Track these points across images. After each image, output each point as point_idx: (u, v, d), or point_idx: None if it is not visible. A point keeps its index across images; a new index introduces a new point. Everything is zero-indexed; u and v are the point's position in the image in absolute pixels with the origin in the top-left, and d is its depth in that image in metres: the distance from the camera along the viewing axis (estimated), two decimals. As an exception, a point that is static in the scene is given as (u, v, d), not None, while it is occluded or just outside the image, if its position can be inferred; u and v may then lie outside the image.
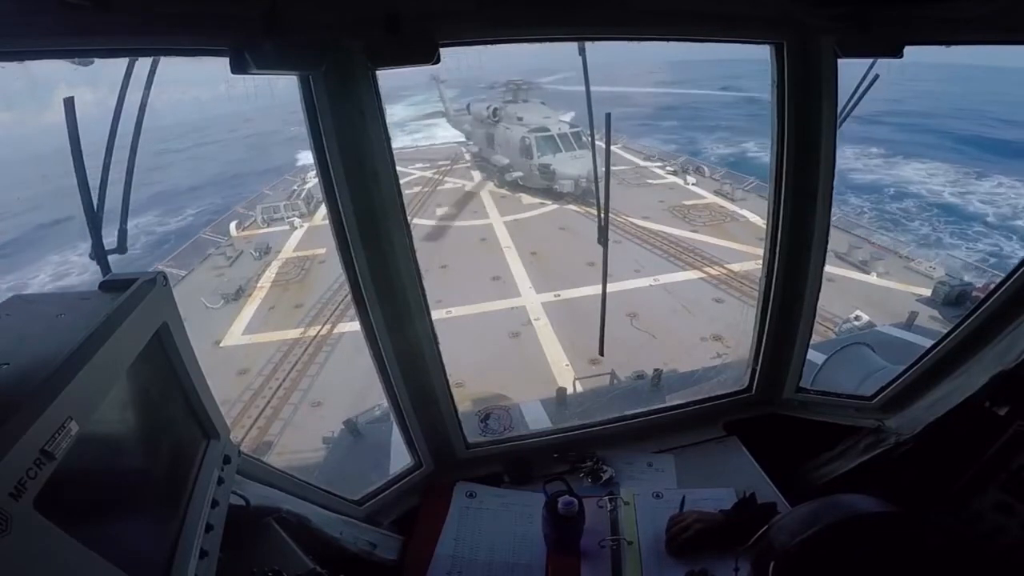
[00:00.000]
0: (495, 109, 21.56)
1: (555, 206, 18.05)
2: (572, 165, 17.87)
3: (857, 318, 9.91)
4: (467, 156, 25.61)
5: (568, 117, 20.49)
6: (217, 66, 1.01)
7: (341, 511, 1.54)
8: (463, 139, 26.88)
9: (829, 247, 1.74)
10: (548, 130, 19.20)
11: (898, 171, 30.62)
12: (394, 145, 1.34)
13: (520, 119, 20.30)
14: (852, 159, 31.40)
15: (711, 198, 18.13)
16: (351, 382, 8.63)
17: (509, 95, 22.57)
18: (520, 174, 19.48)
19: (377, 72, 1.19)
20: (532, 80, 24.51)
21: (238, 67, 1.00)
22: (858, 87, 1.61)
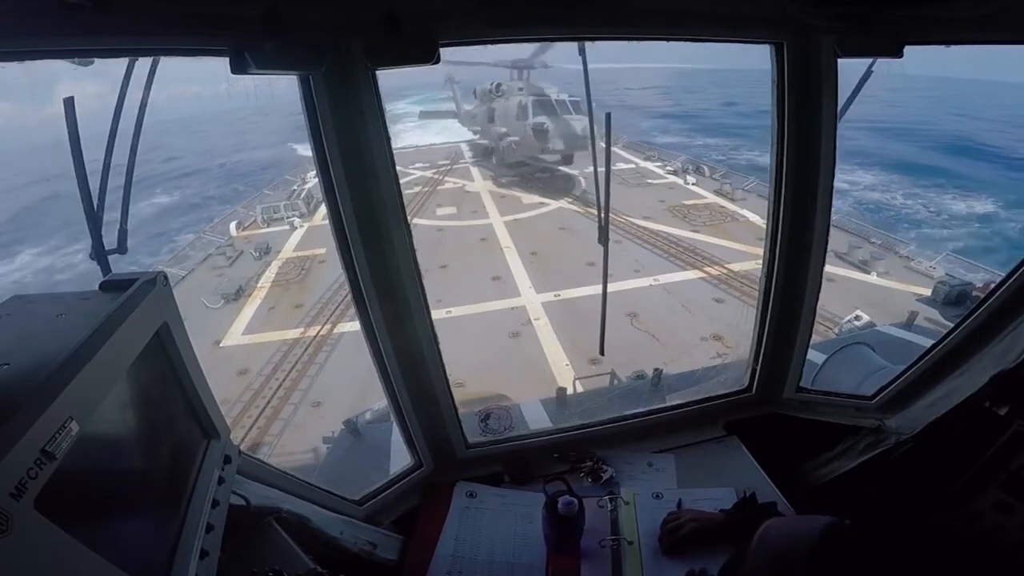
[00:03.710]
0: (498, 84, 22.14)
1: (555, 205, 18.09)
2: (566, 126, 18.32)
3: (857, 318, 9.90)
4: (467, 155, 25.66)
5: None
6: (218, 64, 1.01)
7: (341, 511, 1.54)
8: (468, 138, 27.06)
9: (829, 247, 1.74)
10: (546, 95, 19.68)
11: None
12: (394, 144, 1.34)
13: (520, 89, 20.84)
14: None
15: (711, 198, 18.13)
16: (351, 382, 8.63)
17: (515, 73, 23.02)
18: (516, 139, 19.83)
19: (377, 72, 1.20)
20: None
21: (238, 67, 1.00)
22: (857, 86, 1.61)
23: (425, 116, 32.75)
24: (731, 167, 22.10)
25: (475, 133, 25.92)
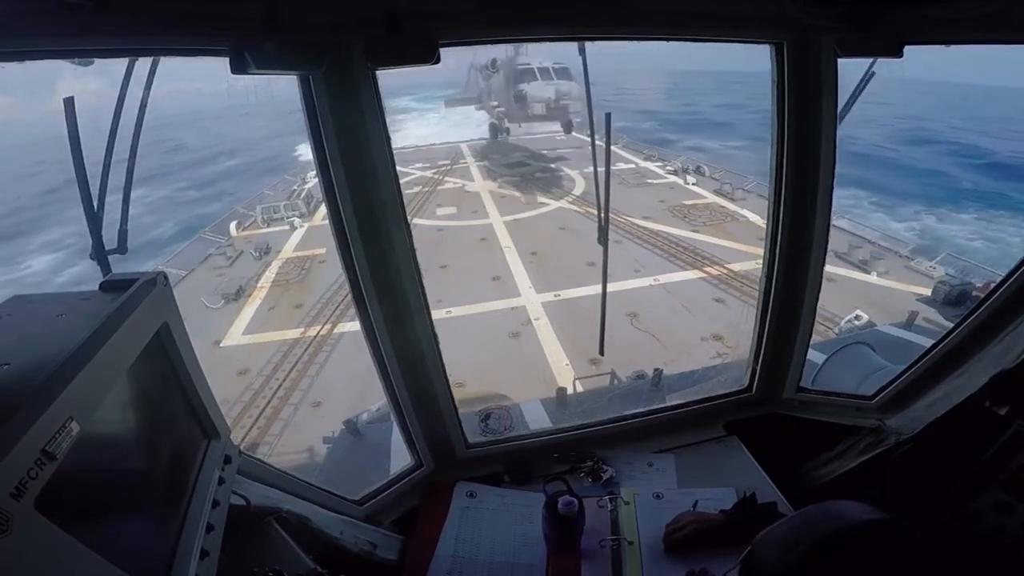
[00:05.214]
0: (494, 60, 23.57)
1: (555, 206, 18.12)
2: (543, 89, 20.19)
3: (857, 318, 9.90)
4: (468, 156, 25.96)
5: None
6: (218, 62, 1.01)
7: (341, 511, 1.54)
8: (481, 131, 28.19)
9: (829, 247, 1.74)
10: (529, 65, 21.49)
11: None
12: (395, 144, 1.34)
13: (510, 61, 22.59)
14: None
15: (711, 198, 18.13)
16: (351, 382, 8.63)
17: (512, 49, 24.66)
18: (503, 109, 22.32)
19: (377, 72, 1.20)
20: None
21: (238, 67, 1.00)
22: (858, 86, 1.61)
23: (451, 104, 33.56)
24: (646, 140, 28.04)
25: (487, 112, 27.11)
